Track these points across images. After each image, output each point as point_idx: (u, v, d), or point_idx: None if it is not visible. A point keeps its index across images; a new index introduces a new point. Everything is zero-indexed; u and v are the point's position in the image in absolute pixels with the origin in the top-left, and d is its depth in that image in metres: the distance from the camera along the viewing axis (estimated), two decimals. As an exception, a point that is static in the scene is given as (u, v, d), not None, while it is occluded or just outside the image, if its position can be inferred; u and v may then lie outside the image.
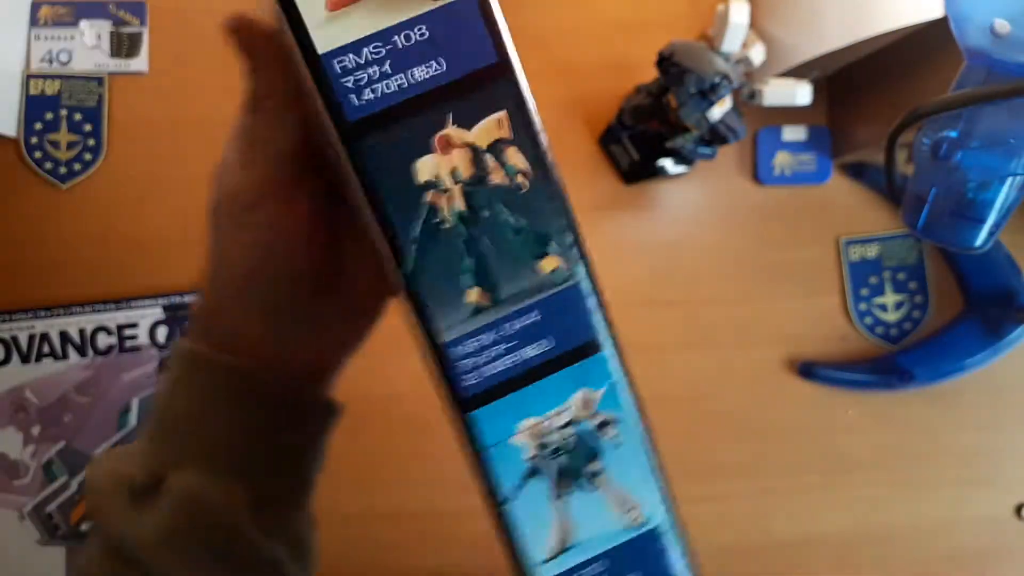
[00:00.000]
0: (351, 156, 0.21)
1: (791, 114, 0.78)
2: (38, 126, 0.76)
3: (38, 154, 0.76)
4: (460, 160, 0.20)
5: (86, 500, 0.35)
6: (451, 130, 0.20)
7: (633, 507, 0.23)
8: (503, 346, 0.22)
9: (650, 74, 0.69)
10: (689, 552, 0.24)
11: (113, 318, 0.75)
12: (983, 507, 0.80)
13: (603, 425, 0.23)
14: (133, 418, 0.74)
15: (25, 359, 0.74)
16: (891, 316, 0.80)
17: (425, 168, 0.20)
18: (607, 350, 0.23)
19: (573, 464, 0.23)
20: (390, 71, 0.20)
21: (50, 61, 0.76)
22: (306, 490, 0.38)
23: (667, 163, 0.76)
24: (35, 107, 0.76)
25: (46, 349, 0.74)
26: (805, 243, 0.80)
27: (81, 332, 0.75)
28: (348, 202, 0.27)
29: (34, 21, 0.77)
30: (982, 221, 0.59)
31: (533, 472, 0.22)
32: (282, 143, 0.33)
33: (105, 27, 0.77)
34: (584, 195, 0.78)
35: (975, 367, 0.78)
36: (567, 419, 0.22)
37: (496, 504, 0.22)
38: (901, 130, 0.60)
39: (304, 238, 0.33)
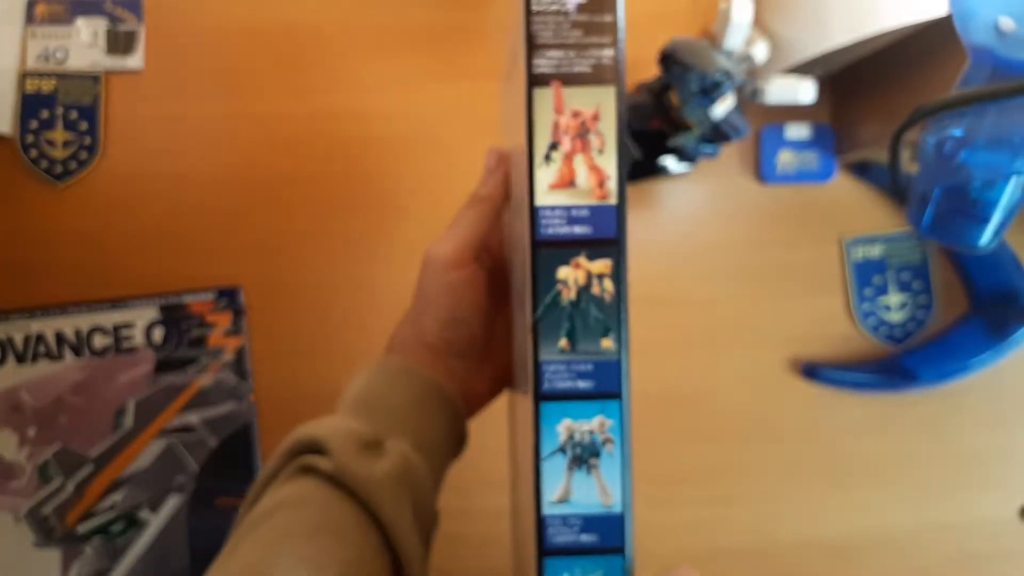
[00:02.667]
0: (533, 253, 0.37)
1: (794, 112, 0.78)
2: (34, 124, 0.76)
3: (34, 152, 0.76)
4: (581, 275, 0.37)
5: (310, 442, 0.46)
6: (582, 259, 0.37)
7: (608, 495, 0.37)
8: (567, 375, 0.37)
9: (652, 72, 0.69)
10: (631, 539, 0.37)
11: (109, 318, 0.75)
12: (988, 509, 0.80)
13: (607, 441, 0.37)
14: (129, 419, 0.74)
15: (21, 359, 0.74)
16: (895, 316, 0.80)
17: (562, 271, 0.37)
18: (623, 401, 0.37)
19: (583, 455, 0.37)
20: (564, 223, 0.37)
21: (46, 59, 0.76)
22: (439, 488, 0.51)
23: (670, 161, 0.76)
24: (31, 105, 0.76)
25: (42, 349, 0.74)
26: (808, 242, 0.80)
27: (77, 332, 0.74)
28: (508, 284, 0.52)
29: (30, 19, 0.77)
30: (987, 220, 0.59)
31: (561, 449, 0.36)
32: (479, 229, 0.52)
33: (101, 25, 0.77)
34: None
35: (980, 368, 0.77)
36: (588, 428, 0.37)
37: (537, 460, 0.36)
38: (906, 128, 0.60)
39: (484, 294, 0.52)
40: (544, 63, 0.36)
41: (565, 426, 0.36)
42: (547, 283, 0.36)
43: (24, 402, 0.74)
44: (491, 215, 0.53)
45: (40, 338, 0.74)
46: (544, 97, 0.36)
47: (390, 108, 0.78)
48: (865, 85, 0.75)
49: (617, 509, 0.37)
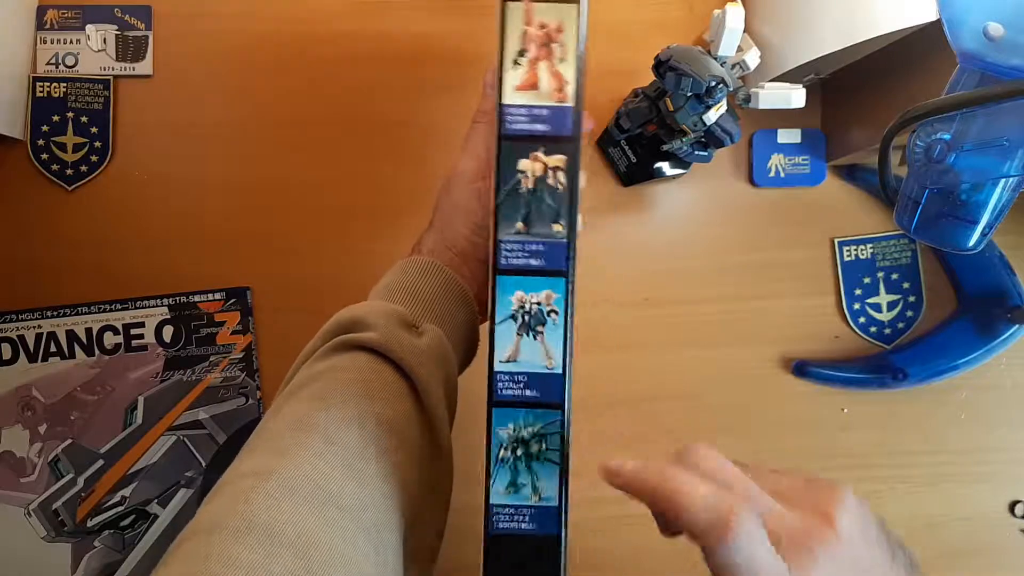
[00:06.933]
0: (498, 145, 0.41)
1: (786, 117, 0.79)
2: (45, 128, 0.76)
3: (45, 156, 0.76)
4: (538, 167, 0.41)
5: (352, 321, 0.51)
6: (540, 154, 0.41)
7: (550, 358, 0.41)
8: (521, 253, 0.41)
9: (647, 78, 0.70)
10: (569, 396, 0.41)
11: (119, 317, 0.76)
12: (976, 505, 0.81)
13: (552, 312, 0.41)
14: (139, 415, 0.75)
15: (32, 358, 0.75)
16: (885, 316, 0.81)
17: (522, 163, 0.41)
18: (569, 278, 0.41)
19: (531, 323, 0.41)
20: (527, 121, 0.41)
21: (56, 64, 0.77)
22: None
23: (664, 166, 0.77)
24: (42, 109, 0.77)
25: (53, 348, 0.75)
26: (800, 244, 0.81)
27: (88, 331, 0.75)
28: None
29: (40, 24, 0.77)
30: (975, 222, 0.59)
31: (512, 317, 0.41)
32: (492, 143, 0.54)
33: (111, 31, 0.77)
34: (583, 197, 0.79)
35: (968, 366, 0.78)
36: (537, 300, 0.41)
37: (492, 324, 0.41)
38: (895, 133, 0.61)
39: None
40: None
41: (518, 297, 0.41)
42: (509, 173, 0.41)
43: (35, 399, 0.75)
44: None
45: (51, 337, 0.75)
46: (515, 10, 0.41)
47: (396, 115, 0.79)
48: (855, 90, 0.76)
49: (558, 370, 0.41)
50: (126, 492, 0.74)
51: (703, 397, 0.80)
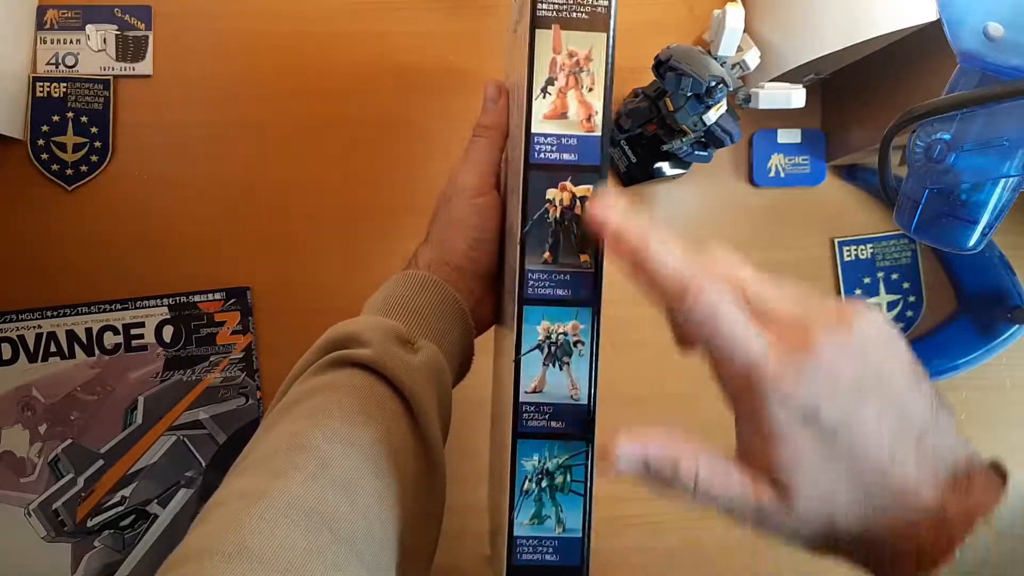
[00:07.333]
0: (525, 174, 0.41)
1: (786, 117, 0.79)
2: (45, 128, 0.76)
3: (45, 156, 0.76)
4: (566, 196, 0.41)
5: (346, 337, 0.50)
6: (568, 183, 0.41)
7: (576, 389, 0.41)
8: (548, 283, 0.41)
9: (647, 78, 0.70)
10: (594, 427, 0.42)
11: (119, 317, 0.76)
12: (976, 504, 0.81)
13: (578, 342, 0.41)
14: (139, 415, 0.75)
15: (32, 358, 0.75)
16: (885, 316, 0.81)
17: (551, 192, 0.41)
18: (594, 308, 0.41)
19: (557, 353, 0.41)
20: (555, 150, 0.41)
21: (56, 64, 0.77)
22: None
23: (664, 166, 0.77)
24: (41, 109, 0.77)
25: (53, 348, 0.75)
26: (800, 244, 0.81)
27: (88, 331, 0.75)
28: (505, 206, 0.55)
29: (40, 24, 0.77)
30: (975, 222, 0.59)
31: (538, 347, 0.41)
32: (493, 157, 0.57)
33: (111, 31, 0.77)
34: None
35: (968, 366, 0.78)
36: (562, 330, 0.41)
37: (517, 355, 0.41)
38: (895, 132, 0.61)
39: (502, 217, 0.56)
40: (546, 7, 0.41)
41: (543, 327, 0.41)
42: (536, 202, 0.41)
43: (35, 399, 0.75)
44: (500, 142, 0.57)
45: (51, 337, 0.75)
46: (545, 38, 0.41)
47: (396, 115, 0.79)
48: (855, 90, 0.76)
49: (583, 401, 0.41)
50: (126, 492, 0.75)
51: (703, 397, 0.79)
